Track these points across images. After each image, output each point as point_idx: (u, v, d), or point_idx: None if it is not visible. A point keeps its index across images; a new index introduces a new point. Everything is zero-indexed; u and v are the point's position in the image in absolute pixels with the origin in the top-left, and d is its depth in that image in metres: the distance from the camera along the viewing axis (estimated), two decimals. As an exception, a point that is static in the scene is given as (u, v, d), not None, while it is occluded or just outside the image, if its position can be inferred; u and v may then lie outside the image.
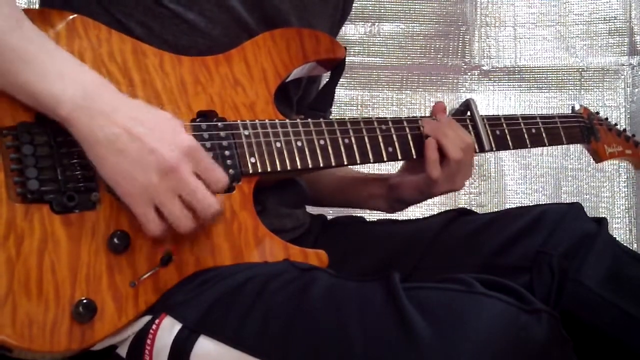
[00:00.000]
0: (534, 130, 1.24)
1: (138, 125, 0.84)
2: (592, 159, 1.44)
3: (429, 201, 1.39)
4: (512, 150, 1.28)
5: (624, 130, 1.46)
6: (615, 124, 1.46)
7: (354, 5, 1.31)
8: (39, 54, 0.84)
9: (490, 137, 1.19)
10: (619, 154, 1.43)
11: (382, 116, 1.12)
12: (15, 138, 0.85)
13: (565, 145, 1.35)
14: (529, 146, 1.24)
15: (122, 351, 0.91)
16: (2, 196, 0.83)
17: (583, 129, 1.35)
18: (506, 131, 1.21)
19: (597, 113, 1.43)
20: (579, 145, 1.41)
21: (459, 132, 1.14)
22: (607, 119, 1.45)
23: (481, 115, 1.19)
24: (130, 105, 0.87)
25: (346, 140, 1.06)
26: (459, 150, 1.11)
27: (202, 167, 0.87)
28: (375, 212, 1.33)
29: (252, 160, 0.98)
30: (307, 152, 1.02)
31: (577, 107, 1.39)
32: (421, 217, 1.25)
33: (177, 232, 0.88)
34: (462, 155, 1.12)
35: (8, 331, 0.80)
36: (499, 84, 2.18)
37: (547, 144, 1.27)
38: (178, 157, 0.85)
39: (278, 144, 1.00)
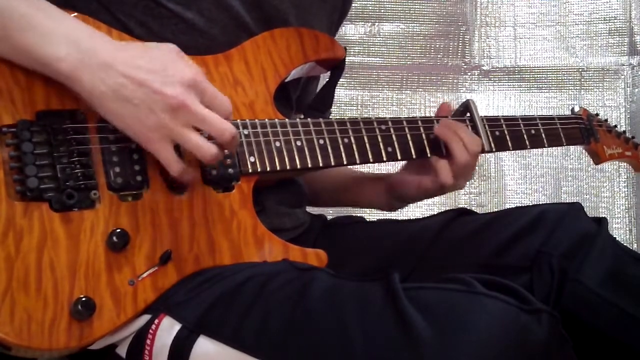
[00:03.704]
0: (533, 131, 1.24)
1: (140, 71, 0.85)
2: (592, 159, 1.44)
3: (429, 201, 1.38)
4: (512, 150, 1.28)
5: (624, 132, 1.46)
6: (615, 126, 1.46)
7: (354, 5, 1.31)
8: (43, 18, 0.86)
9: (490, 138, 1.19)
10: (618, 155, 1.43)
11: (382, 116, 1.12)
12: (14, 136, 0.85)
13: (565, 146, 1.36)
14: (528, 147, 1.24)
15: (122, 351, 0.91)
16: (2, 194, 0.83)
17: (582, 130, 1.35)
18: (506, 132, 1.21)
19: (597, 114, 1.43)
20: (578, 145, 1.41)
21: (469, 136, 1.14)
22: (606, 120, 1.45)
23: (481, 116, 1.19)
24: (128, 52, 0.88)
25: (345, 140, 1.06)
26: (467, 154, 1.12)
27: (208, 96, 0.88)
28: (375, 212, 1.32)
29: (252, 159, 0.98)
30: (306, 152, 1.02)
31: (576, 109, 1.39)
32: (421, 217, 1.25)
33: (177, 229, 0.89)
34: (470, 159, 1.12)
35: (6, 329, 0.79)
36: (499, 84, 2.18)
37: (546, 145, 1.27)
38: (183, 93, 0.86)
39: (277, 144, 1.00)
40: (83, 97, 0.86)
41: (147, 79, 0.85)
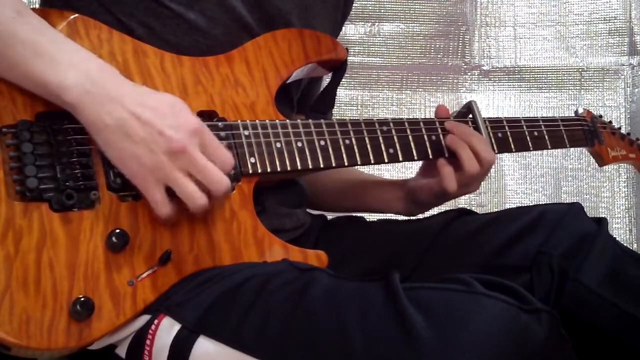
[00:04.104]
0: (536, 133, 1.24)
1: (146, 110, 0.85)
2: (592, 159, 1.44)
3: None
4: (515, 152, 1.27)
5: (628, 133, 1.46)
6: (619, 128, 1.45)
7: (354, 5, 1.31)
8: (49, 45, 0.85)
9: (493, 139, 1.19)
10: (622, 157, 1.43)
11: (383, 116, 1.12)
12: (14, 136, 0.85)
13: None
14: (531, 149, 1.24)
15: (121, 351, 0.91)
16: (1, 194, 0.83)
17: (586, 132, 1.34)
18: (508, 134, 1.21)
19: (601, 116, 1.43)
20: (582, 147, 1.40)
21: (484, 148, 1.13)
22: (610, 122, 1.45)
23: (483, 118, 1.19)
24: (136, 90, 0.88)
25: (347, 141, 1.06)
26: (478, 167, 1.12)
27: (209, 147, 0.88)
28: (375, 212, 1.32)
29: (252, 160, 0.98)
30: (307, 153, 1.02)
31: (580, 110, 1.38)
32: (421, 217, 1.25)
33: (177, 229, 0.89)
34: (481, 170, 1.12)
35: (6, 328, 0.80)
36: (499, 84, 2.18)
37: (549, 147, 1.26)
38: (186, 138, 0.86)
39: (278, 145, 1.00)
40: (84, 124, 0.86)
41: (152, 119, 0.85)
